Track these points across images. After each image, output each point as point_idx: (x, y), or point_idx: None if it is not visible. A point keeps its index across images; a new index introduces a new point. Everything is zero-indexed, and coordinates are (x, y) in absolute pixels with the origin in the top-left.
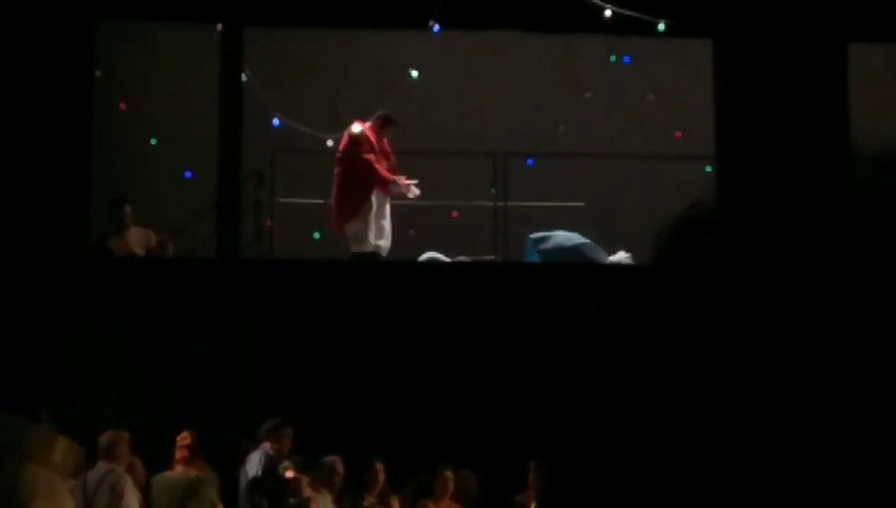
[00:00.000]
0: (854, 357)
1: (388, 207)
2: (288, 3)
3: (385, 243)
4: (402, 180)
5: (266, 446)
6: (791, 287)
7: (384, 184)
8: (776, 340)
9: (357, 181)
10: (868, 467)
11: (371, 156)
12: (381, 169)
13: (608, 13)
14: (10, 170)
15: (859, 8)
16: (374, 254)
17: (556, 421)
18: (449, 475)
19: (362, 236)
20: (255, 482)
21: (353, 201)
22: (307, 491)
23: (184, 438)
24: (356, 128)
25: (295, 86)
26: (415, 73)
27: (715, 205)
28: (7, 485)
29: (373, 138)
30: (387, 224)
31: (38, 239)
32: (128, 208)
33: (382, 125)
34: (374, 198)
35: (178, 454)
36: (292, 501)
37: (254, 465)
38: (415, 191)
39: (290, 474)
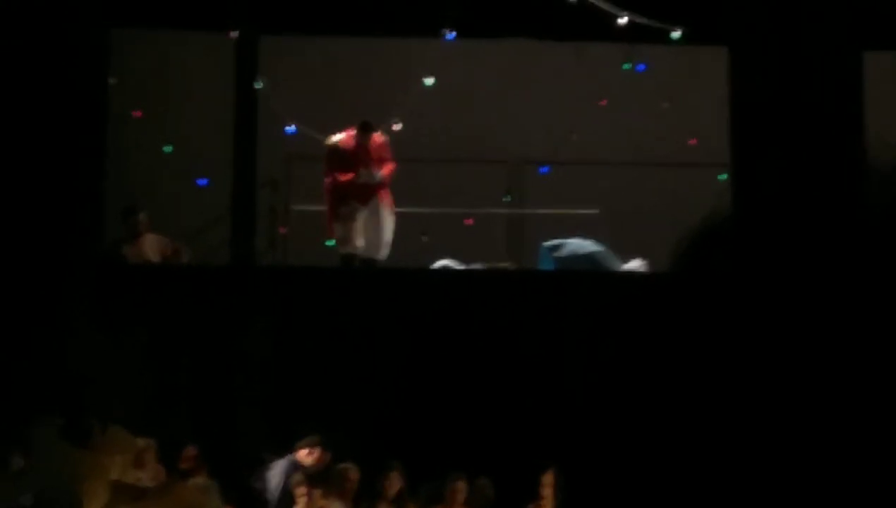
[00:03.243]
0: (868, 360)
1: (385, 217)
2: (302, 11)
3: (384, 251)
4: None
5: (294, 457)
6: (805, 293)
7: (346, 187)
8: (791, 346)
9: (331, 189)
10: (880, 462)
11: (331, 166)
12: (341, 176)
13: (622, 21)
14: (24, 177)
15: (874, 16)
16: (352, 257)
17: (571, 428)
18: (460, 484)
19: (343, 240)
20: (273, 493)
21: (332, 207)
22: (319, 502)
23: (188, 451)
24: (335, 137)
25: (309, 93)
26: (429, 81)
27: (727, 215)
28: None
29: (351, 145)
30: (385, 234)
31: (52, 246)
32: (142, 215)
33: (359, 132)
34: (353, 205)
35: (184, 465)
36: None
37: (278, 474)
38: (376, 177)
39: (301, 490)
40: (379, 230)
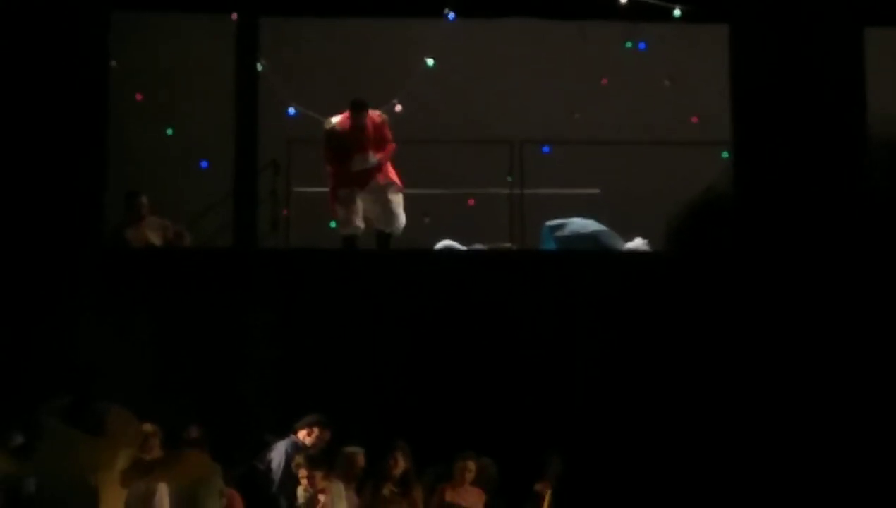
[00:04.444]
0: (868, 340)
1: (389, 194)
2: None
3: (397, 225)
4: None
5: (294, 437)
6: (807, 269)
7: (340, 171)
8: (793, 323)
9: (331, 171)
10: (880, 436)
11: (328, 150)
12: (336, 163)
13: None
14: (25, 162)
15: None
16: (353, 239)
17: (574, 408)
18: (469, 463)
19: (343, 221)
20: (275, 474)
21: (332, 189)
22: (320, 484)
23: (190, 432)
24: (333, 120)
25: (310, 75)
26: (430, 62)
27: (728, 193)
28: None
29: (346, 126)
30: (393, 208)
31: (53, 230)
32: (144, 199)
33: (352, 112)
34: (352, 188)
35: (186, 446)
36: (304, 494)
37: (279, 455)
38: (371, 162)
39: (302, 473)
40: (385, 205)
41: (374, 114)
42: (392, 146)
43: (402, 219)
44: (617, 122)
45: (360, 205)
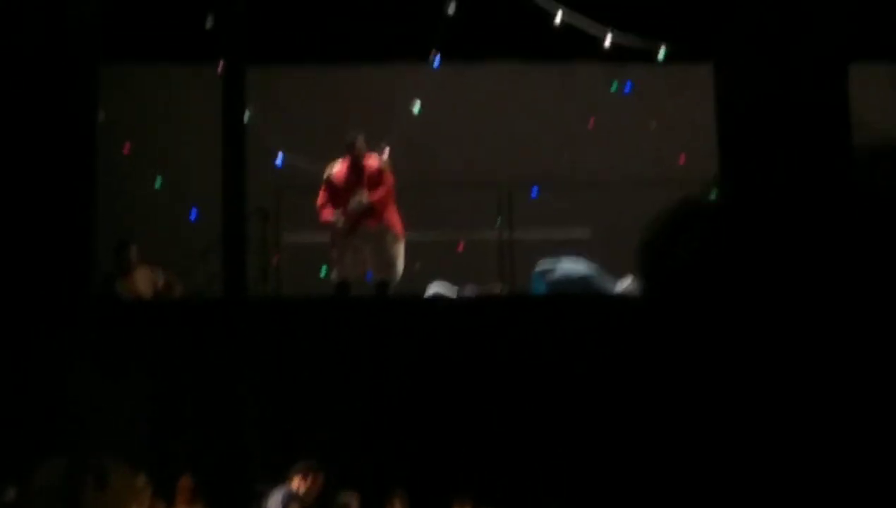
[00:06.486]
0: (858, 354)
1: (384, 239)
2: (288, 41)
3: (392, 272)
4: (336, 211)
5: (289, 486)
6: (796, 309)
7: (327, 220)
8: (791, 371)
9: (326, 217)
10: (881, 454)
11: (322, 196)
12: (324, 212)
13: (607, 43)
14: (15, 214)
15: (861, 28)
16: (345, 285)
17: (568, 452)
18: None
19: (337, 266)
20: None
21: (331, 235)
22: None
23: (184, 482)
24: (332, 168)
25: (298, 123)
26: (417, 107)
27: (697, 201)
28: None
29: (343, 173)
30: (387, 255)
31: (43, 281)
32: (133, 250)
33: (346, 153)
34: (347, 234)
35: (180, 497)
36: None
37: (275, 504)
38: (362, 203)
39: None
40: (382, 253)
41: (374, 159)
42: (384, 189)
43: (399, 267)
44: (604, 164)
45: (355, 250)
